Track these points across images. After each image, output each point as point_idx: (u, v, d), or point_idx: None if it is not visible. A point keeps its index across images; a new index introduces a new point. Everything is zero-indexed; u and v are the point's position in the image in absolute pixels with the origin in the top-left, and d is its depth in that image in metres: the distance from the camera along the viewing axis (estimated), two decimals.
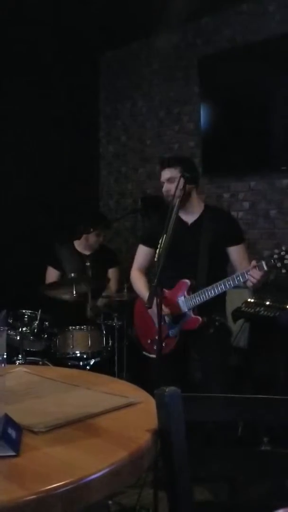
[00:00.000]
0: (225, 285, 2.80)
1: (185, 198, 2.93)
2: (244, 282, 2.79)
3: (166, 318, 3.01)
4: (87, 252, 4.38)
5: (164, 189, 3.04)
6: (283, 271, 2.55)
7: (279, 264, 2.55)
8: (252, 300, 3.78)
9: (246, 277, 2.71)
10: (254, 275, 2.69)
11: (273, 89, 4.47)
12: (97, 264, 4.25)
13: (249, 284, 2.78)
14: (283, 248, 2.54)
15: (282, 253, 2.54)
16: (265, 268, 2.61)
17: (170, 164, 3.05)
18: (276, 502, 1.02)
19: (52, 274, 4.30)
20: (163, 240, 2.71)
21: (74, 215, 4.50)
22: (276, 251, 2.57)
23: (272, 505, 0.81)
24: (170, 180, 3.00)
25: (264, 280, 2.79)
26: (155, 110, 5.56)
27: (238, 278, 2.75)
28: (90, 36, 5.36)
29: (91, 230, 4.23)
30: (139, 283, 3.23)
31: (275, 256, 2.56)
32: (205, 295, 2.85)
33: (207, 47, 5.00)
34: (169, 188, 2.99)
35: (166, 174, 3.04)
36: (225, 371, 3.04)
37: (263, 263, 2.61)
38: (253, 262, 2.71)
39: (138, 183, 5.75)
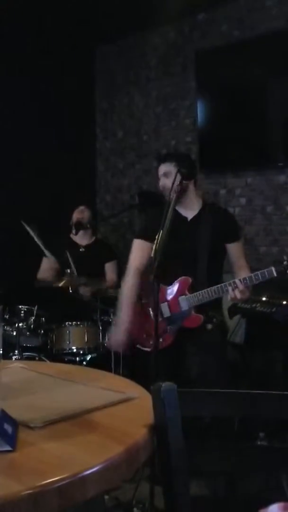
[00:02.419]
0: (231, 287, 2.79)
1: (182, 194, 2.93)
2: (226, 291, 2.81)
3: (164, 314, 3.00)
4: (83, 243, 4.40)
5: (160, 183, 3.05)
6: None
7: None
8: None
9: (254, 281, 2.72)
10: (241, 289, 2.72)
11: (270, 85, 4.47)
12: (93, 257, 4.28)
13: (232, 294, 2.78)
14: None
15: None
16: (275, 274, 2.62)
17: (166, 159, 3.06)
18: (271, 496, 1.02)
19: (47, 263, 4.29)
20: (160, 236, 2.69)
21: (70, 211, 4.53)
22: (285, 257, 2.60)
23: (268, 499, 0.82)
24: (166, 174, 3.01)
25: (245, 299, 2.87)
26: (152, 106, 5.55)
27: (245, 282, 2.75)
28: (86, 29, 5.33)
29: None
30: (126, 300, 3.11)
31: (285, 262, 2.58)
32: (208, 296, 2.85)
33: (204, 41, 4.99)
34: (164, 183, 3.00)
35: (162, 169, 3.05)
36: (222, 368, 3.05)
37: (273, 269, 2.62)
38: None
39: (135, 178, 5.74)
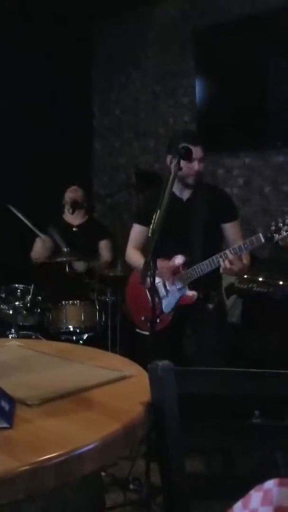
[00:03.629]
0: (221, 258, 2.76)
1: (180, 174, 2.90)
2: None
3: (161, 294, 3.01)
4: (75, 222, 4.41)
5: (196, 168, 2.92)
6: (281, 243, 2.53)
7: (276, 236, 2.52)
8: (245, 276, 3.79)
9: (243, 249, 2.69)
10: (231, 259, 2.68)
11: (270, 64, 4.42)
12: (86, 236, 4.28)
13: (222, 265, 2.74)
14: (280, 220, 2.52)
15: (280, 224, 2.51)
16: (263, 240, 2.56)
17: (200, 141, 2.93)
18: (266, 473, 1.03)
19: (40, 244, 4.28)
20: (156, 216, 2.67)
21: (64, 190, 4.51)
22: (273, 223, 2.54)
23: (263, 476, 0.82)
24: (201, 160, 2.94)
25: (241, 270, 2.79)
26: (150, 84, 5.49)
27: (235, 251, 2.72)
28: (84, 6, 5.25)
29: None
30: (136, 256, 3.15)
31: (272, 227, 2.53)
32: (200, 270, 2.84)
33: (204, 19, 4.92)
34: (200, 168, 2.94)
35: (199, 152, 2.90)
36: (222, 347, 3.06)
37: (260, 235, 2.58)
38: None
39: (132, 157, 5.71)
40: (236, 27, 4.57)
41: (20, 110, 5.11)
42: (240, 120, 4.59)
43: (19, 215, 3.96)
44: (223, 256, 2.72)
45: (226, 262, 2.71)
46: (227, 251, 2.72)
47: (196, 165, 2.92)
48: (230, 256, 2.70)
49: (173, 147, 2.79)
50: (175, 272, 2.95)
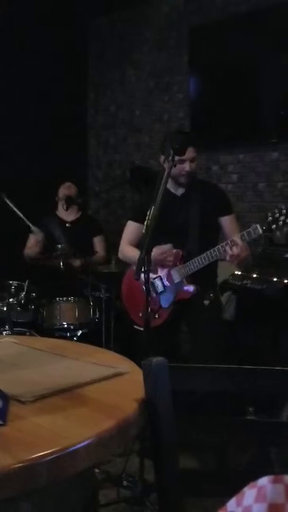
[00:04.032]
0: (219, 251, 2.76)
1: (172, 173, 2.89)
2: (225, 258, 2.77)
3: (158, 289, 3.01)
4: (69, 219, 4.41)
5: (186, 169, 2.94)
6: (278, 233, 2.52)
7: (273, 226, 2.51)
8: (239, 273, 3.80)
9: (239, 243, 2.68)
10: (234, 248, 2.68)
11: (264, 60, 4.42)
12: (80, 232, 4.28)
13: (229, 252, 2.71)
14: (276, 210, 2.52)
15: (277, 215, 2.51)
16: (260, 231, 2.56)
17: (191, 142, 2.93)
18: (260, 470, 1.03)
19: (33, 239, 4.27)
20: (151, 211, 2.66)
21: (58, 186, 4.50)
22: (270, 213, 2.54)
23: (257, 473, 0.82)
24: (193, 159, 2.95)
25: (246, 257, 2.78)
26: (145, 80, 5.48)
27: (232, 243, 2.70)
28: (79, 2, 5.23)
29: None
30: (133, 252, 3.10)
31: (269, 218, 2.53)
32: (198, 263, 2.83)
33: (198, 16, 4.91)
34: (192, 167, 2.96)
35: (190, 153, 2.92)
36: (217, 344, 3.06)
37: (258, 226, 2.58)
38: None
39: (127, 153, 5.70)
40: (230, 24, 4.56)
41: (15, 106, 5.09)
42: (234, 117, 4.58)
43: (12, 205, 3.93)
44: (229, 244, 2.70)
45: (234, 249, 2.69)
46: (235, 238, 2.71)
47: (187, 166, 2.93)
48: (239, 242, 2.68)
49: (165, 147, 2.77)
50: (176, 257, 2.95)
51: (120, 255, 3.29)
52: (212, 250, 2.77)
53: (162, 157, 2.80)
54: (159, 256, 2.92)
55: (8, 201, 3.90)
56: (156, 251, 2.85)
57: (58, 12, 5.21)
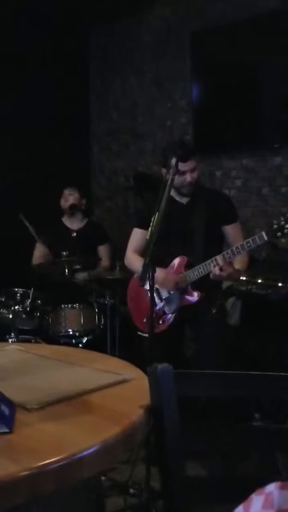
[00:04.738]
0: (212, 263, 2.77)
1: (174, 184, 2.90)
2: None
3: (163, 295, 3.01)
4: (74, 227, 4.40)
5: (188, 179, 2.95)
6: (283, 240, 2.52)
7: (279, 234, 2.51)
8: (244, 278, 3.79)
9: (246, 248, 2.68)
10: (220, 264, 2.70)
11: (266, 66, 4.43)
12: (85, 241, 4.27)
13: (214, 271, 2.74)
14: (282, 218, 2.51)
15: (282, 222, 2.50)
16: (266, 238, 2.54)
17: (191, 155, 2.94)
18: (267, 476, 1.03)
19: (40, 250, 4.28)
20: (155, 218, 2.67)
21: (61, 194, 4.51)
22: (275, 221, 2.53)
23: (264, 479, 0.82)
24: (193, 170, 2.96)
25: (229, 275, 2.80)
26: (147, 87, 5.50)
27: (237, 250, 2.71)
28: (81, 9, 5.26)
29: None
30: (137, 262, 3.11)
31: (275, 226, 2.52)
32: (203, 270, 2.83)
33: (200, 22, 4.93)
34: (194, 177, 2.96)
35: (190, 165, 2.93)
36: (222, 350, 3.06)
37: (263, 233, 2.57)
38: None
39: (130, 160, 5.71)
40: (232, 30, 4.57)
41: (18, 114, 5.11)
42: (237, 122, 4.59)
43: (27, 223, 3.98)
44: (214, 262, 2.73)
45: (216, 269, 2.71)
46: (217, 257, 2.73)
47: (188, 177, 2.95)
48: (220, 262, 2.70)
49: (167, 158, 2.81)
50: (178, 272, 2.95)
51: (125, 262, 3.30)
52: (206, 263, 2.79)
53: (164, 170, 2.81)
54: (163, 280, 2.94)
55: (24, 220, 3.95)
56: (160, 274, 2.88)
57: (60, 19, 5.24)
